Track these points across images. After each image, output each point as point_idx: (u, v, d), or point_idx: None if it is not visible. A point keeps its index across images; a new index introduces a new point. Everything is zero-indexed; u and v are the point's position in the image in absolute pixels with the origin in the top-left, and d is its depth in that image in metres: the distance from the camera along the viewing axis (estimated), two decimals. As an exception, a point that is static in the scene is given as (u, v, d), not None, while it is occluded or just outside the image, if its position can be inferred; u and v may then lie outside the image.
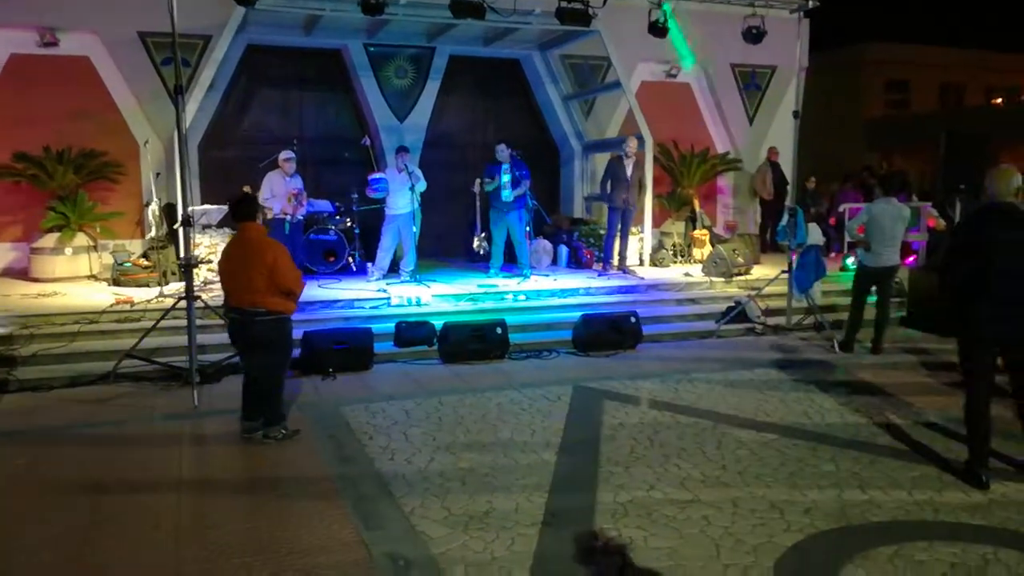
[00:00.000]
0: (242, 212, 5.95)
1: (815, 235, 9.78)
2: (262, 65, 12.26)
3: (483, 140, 13.57)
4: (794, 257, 9.49)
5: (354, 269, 11.21)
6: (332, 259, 11.08)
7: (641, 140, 11.66)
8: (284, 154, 9.93)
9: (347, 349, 7.84)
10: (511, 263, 10.96)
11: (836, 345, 8.75)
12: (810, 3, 9.41)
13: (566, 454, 5.59)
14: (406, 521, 4.53)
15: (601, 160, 13.64)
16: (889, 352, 8.61)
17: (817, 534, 4.37)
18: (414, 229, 10.42)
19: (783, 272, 9.63)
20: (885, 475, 5.19)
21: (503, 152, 10.47)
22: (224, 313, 6.33)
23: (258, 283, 5.67)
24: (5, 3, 10.33)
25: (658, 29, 9.47)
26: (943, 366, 7.92)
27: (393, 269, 10.62)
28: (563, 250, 12.19)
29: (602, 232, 11.75)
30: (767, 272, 10.86)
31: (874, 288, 8.66)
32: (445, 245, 12.86)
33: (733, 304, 9.79)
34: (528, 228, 11.01)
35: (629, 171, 11.03)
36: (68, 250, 10.31)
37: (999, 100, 27.08)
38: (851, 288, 8.91)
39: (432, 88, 12.74)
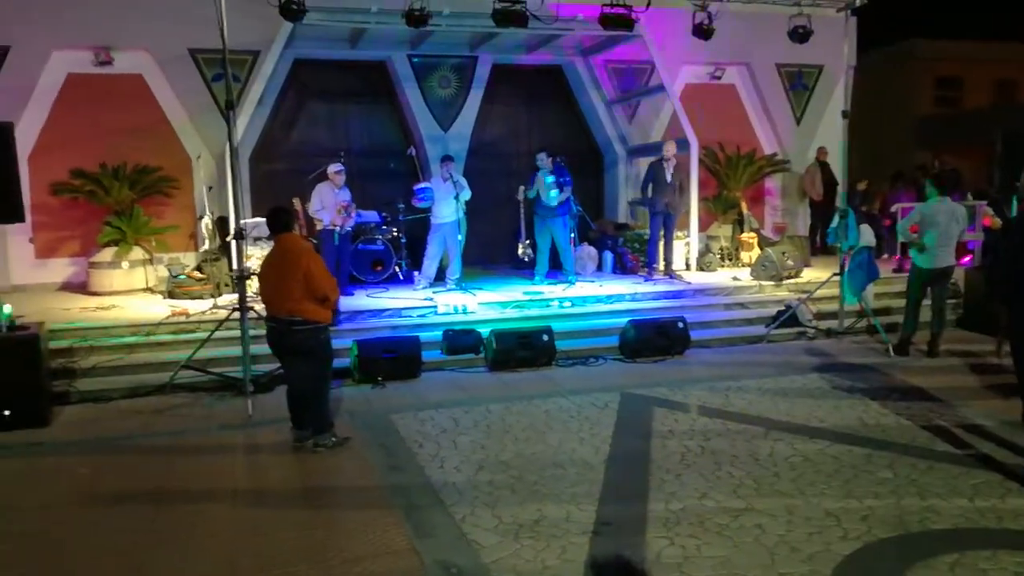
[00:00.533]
0: (278, 224, 6.05)
1: (867, 236, 9.58)
2: (309, 79, 12.46)
3: (527, 148, 13.59)
4: (846, 259, 9.32)
5: (401, 278, 11.31)
6: (379, 268, 11.20)
7: (683, 143, 11.57)
8: (334, 167, 10.06)
9: (396, 357, 7.91)
10: (556, 270, 10.96)
11: (890, 348, 8.56)
12: (858, 1, 9.24)
13: (616, 462, 5.56)
14: (457, 529, 4.55)
15: (646, 164, 13.58)
16: (945, 355, 8.41)
17: (875, 542, 4.28)
18: (459, 237, 10.48)
19: (834, 275, 9.47)
20: (944, 482, 5.07)
21: (544, 160, 10.58)
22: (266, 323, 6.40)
23: (294, 291, 5.75)
24: (62, 25, 10.67)
25: (702, 31, 9.37)
26: (1000, 369, 7.69)
27: (439, 277, 10.70)
28: (608, 256, 12.15)
29: (647, 237, 11.67)
30: (818, 275, 10.68)
31: (929, 290, 8.47)
32: (490, 253, 12.90)
33: (783, 308, 9.65)
34: (573, 234, 11.00)
35: (669, 175, 10.95)
36: (125, 264, 10.58)
37: (1055, 95, 26.27)
38: (905, 290, 8.72)
39: (475, 97, 12.81)
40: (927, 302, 8.56)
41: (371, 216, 11.40)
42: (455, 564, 4.15)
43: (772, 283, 10.65)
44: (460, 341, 8.52)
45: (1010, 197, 9.64)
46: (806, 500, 4.84)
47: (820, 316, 9.73)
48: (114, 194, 10.78)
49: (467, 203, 10.49)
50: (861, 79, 11.79)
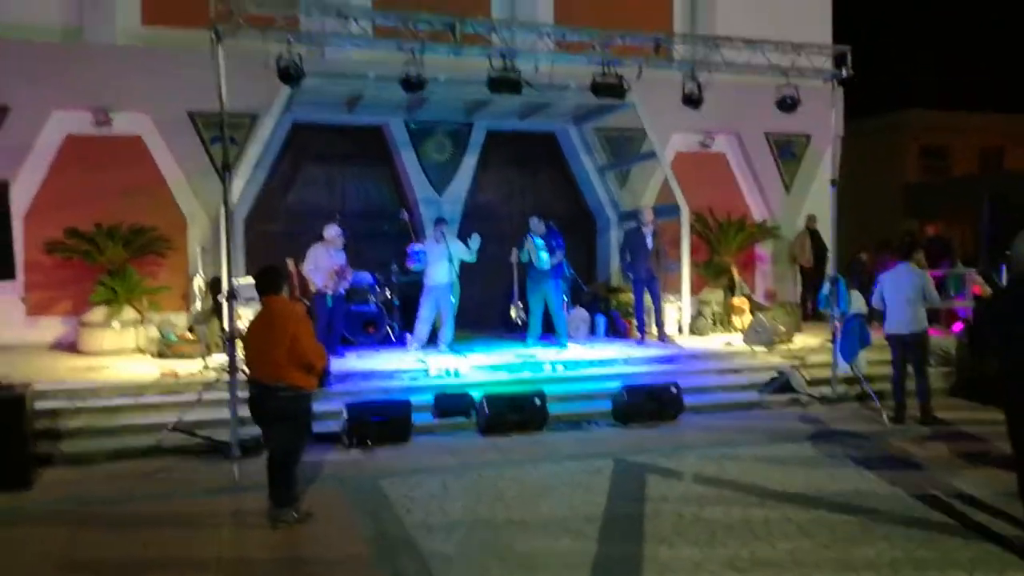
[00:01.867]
0: (267, 285, 5.89)
1: (858, 303, 9.63)
2: (306, 142, 12.61)
3: (520, 211, 13.68)
4: (837, 326, 9.34)
5: (393, 340, 11.26)
6: (372, 330, 11.17)
7: (673, 208, 11.72)
8: (332, 230, 10.08)
9: (386, 421, 7.83)
10: (549, 333, 10.95)
11: (885, 417, 8.51)
12: (844, 72, 9.46)
13: (608, 531, 5.47)
14: (446, 601, 4.44)
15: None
16: (938, 423, 8.35)
17: (873, 618, 4.19)
18: (452, 300, 10.49)
19: (827, 341, 9.47)
20: (942, 555, 4.99)
21: (535, 224, 10.75)
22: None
23: (279, 356, 5.60)
24: (63, 86, 10.83)
25: (692, 100, 9.56)
26: (994, 437, 7.64)
27: (431, 340, 10.67)
28: (600, 319, 12.15)
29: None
30: (809, 341, 10.71)
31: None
32: (482, 315, 12.87)
33: (776, 374, 9.63)
34: (566, 298, 11.01)
35: (649, 241, 11.04)
36: (115, 324, 10.53)
37: (1039, 163, 26.73)
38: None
39: (470, 162, 12.97)
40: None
41: (364, 277, 11.41)
42: (443, 638, 4.04)
43: (765, 349, 10.64)
44: (452, 404, 8.45)
45: (998, 264, 9.73)
46: (802, 572, 4.75)
47: (813, 383, 9.70)
48: (108, 254, 10.79)
49: (460, 265, 10.53)
50: (849, 147, 12.05)
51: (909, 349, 8.48)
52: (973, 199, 11.14)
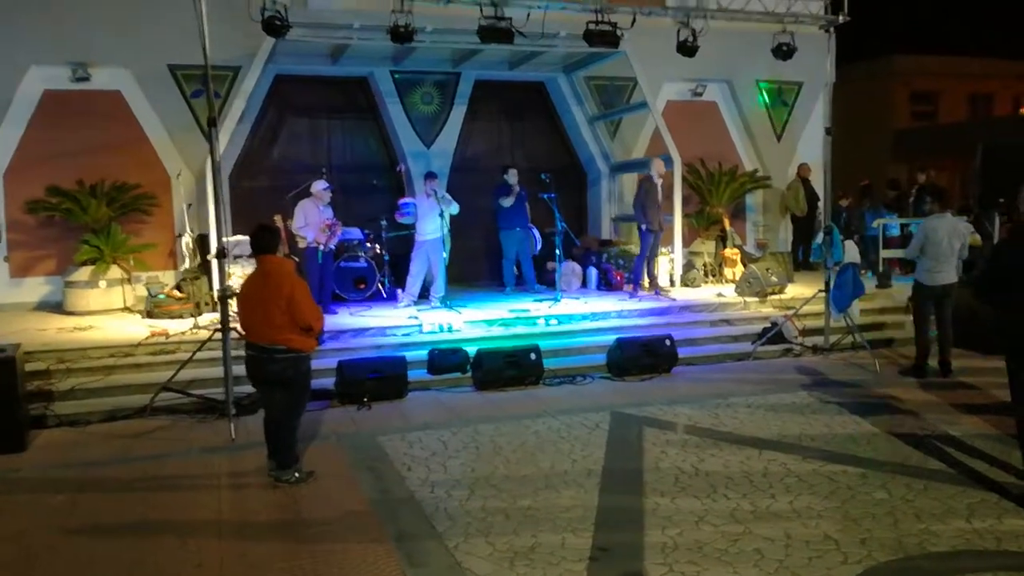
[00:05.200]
0: (261, 245, 5.76)
1: (852, 253, 9.62)
2: (290, 95, 12.34)
3: (510, 163, 13.54)
4: (831, 276, 9.33)
5: (384, 296, 11.18)
6: (362, 286, 11.07)
7: (666, 159, 11.59)
8: (320, 185, 9.93)
9: (381, 378, 7.80)
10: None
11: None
12: (840, 18, 9.29)
13: (609, 485, 5.48)
14: (451, 557, 4.45)
15: (629, 180, 13.59)
16: (934, 371, 8.39)
17: (876, 566, 4.23)
18: (444, 255, 10.39)
19: (820, 291, 9.48)
20: (940, 502, 5.03)
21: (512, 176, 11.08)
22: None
23: (276, 318, 5.50)
24: (39, 40, 10.49)
25: (686, 48, 9.38)
26: (989, 386, 7.71)
27: (423, 295, 10.60)
28: (592, 272, 12.10)
29: (634, 253, 11.66)
30: (801, 291, 10.70)
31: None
32: (474, 269, 12.81)
33: (769, 325, 9.64)
34: (558, 251, 10.94)
35: (660, 194, 10.98)
36: (102, 283, 10.36)
37: (1029, 109, 26.71)
38: (912, 311, 8.57)
39: (458, 113, 12.75)
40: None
41: (354, 233, 11.27)
42: (450, 595, 4.05)
43: (757, 299, 10.64)
44: (446, 360, 8.41)
45: (991, 212, 9.74)
46: (803, 523, 4.78)
47: (805, 333, 9.73)
48: (91, 212, 10.57)
49: (450, 219, 10.41)
50: (837, 94, 11.86)
51: (946, 300, 8.32)
52: (963, 145, 11.11)
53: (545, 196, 10.65)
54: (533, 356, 8.29)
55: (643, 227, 11.08)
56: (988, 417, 6.77)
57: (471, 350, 8.44)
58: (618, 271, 11.92)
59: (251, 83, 10.50)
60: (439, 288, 10.44)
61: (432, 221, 10.25)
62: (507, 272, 11.48)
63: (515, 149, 13.61)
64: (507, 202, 10.87)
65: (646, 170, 11.32)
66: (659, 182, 10.98)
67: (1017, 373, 4.96)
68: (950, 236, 8.11)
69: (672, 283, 11.78)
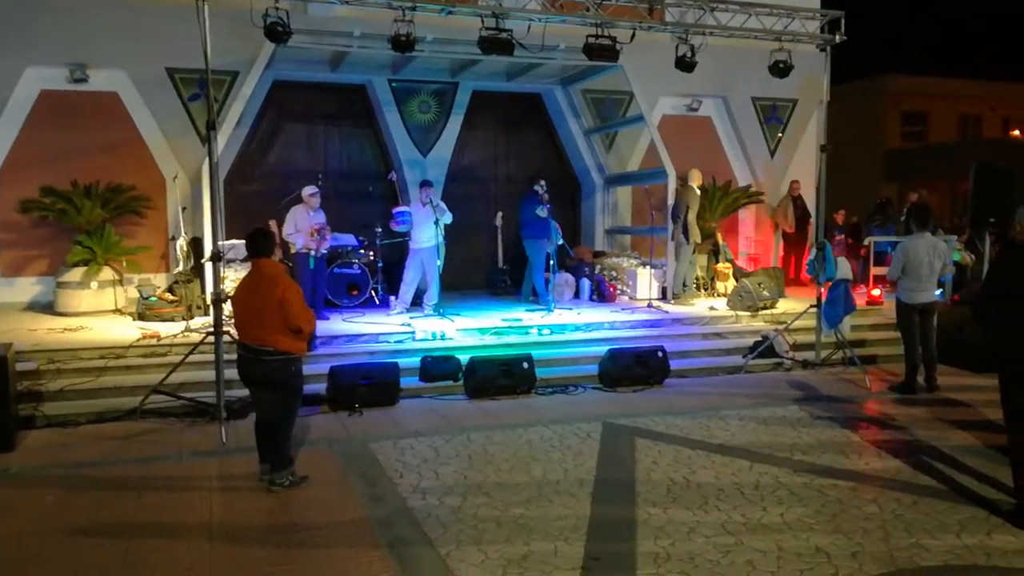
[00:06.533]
0: (257, 248, 5.81)
1: (844, 270, 9.68)
2: (288, 100, 12.36)
3: (505, 174, 13.62)
4: (823, 292, 9.39)
5: (377, 303, 11.19)
6: (355, 292, 11.08)
7: (660, 173, 11.70)
8: (308, 190, 9.95)
9: (374, 384, 7.79)
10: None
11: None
12: (837, 38, 9.38)
13: (601, 495, 5.48)
14: (443, 565, 4.44)
15: (623, 193, 13.67)
16: (921, 388, 8.44)
17: (867, 580, 4.25)
18: (438, 262, 10.41)
19: (812, 306, 9.53)
20: (930, 517, 5.06)
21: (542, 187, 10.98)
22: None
23: (268, 320, 5.54)
24: (37, 41, 10.48)
25: (685, 63, 9.45)
26: (978, 403, 7.77)
27: (416, 302, 10.60)
28: (585, 283, 12.14)
29: (625, 265, 11.71)
30: (792, 306, 10.76)
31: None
32: (467, 278, 12.83)
33: (760, 339, 9.68)
34: (552, 262, 10.97)
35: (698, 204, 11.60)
36: (94, 284, 10.33)
37: (1016, 132, 27.00)
38: (898, 328, 8.64)
39: (455, 123, 12.79)
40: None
41: (348, 239, 11.28)
42: (443, 601, 4.04)
43: (748, 313, 10.69)
44: (438, 368, 8.41)
45: (983, 231, 9.81)
46: (795, 535, 4.80)
47: (796, 348, 9.78)
48: (85, 213, 10.54)
49: (445, 228, 10.43)
50: (829, 112, 11.96)
51: (928, 317, 8.38)
52: (953, 166, 11.21)
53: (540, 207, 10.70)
54: (526, 365, 8.30)
55: (684, 239, 11.56)
56: (978, 434, 6.81)
57: (464, 358, 8.44)
58: (611, 282, 11.96)
59: (249, 88, 10.52)
60: (432, 296, 10.45)
61: (427, 229, 10.27)
62: (539, 283, 11.08)
63: (511, 160, 13.68)
64: (542, 212, 10.78)
65: (656, 181, 11.56)
66: (699, 193, 11.43)
67: (1009, 393, 5.00)
68: (930, 255, 8.17)
69: (665, 296, 11.82)
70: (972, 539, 4.73)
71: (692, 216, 11.58)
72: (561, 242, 10.82)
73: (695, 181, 11.54)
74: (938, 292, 8.44)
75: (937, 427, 7.10)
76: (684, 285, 11.81)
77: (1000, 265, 5.28)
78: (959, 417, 7.44)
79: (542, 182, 11.01)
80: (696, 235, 11.49)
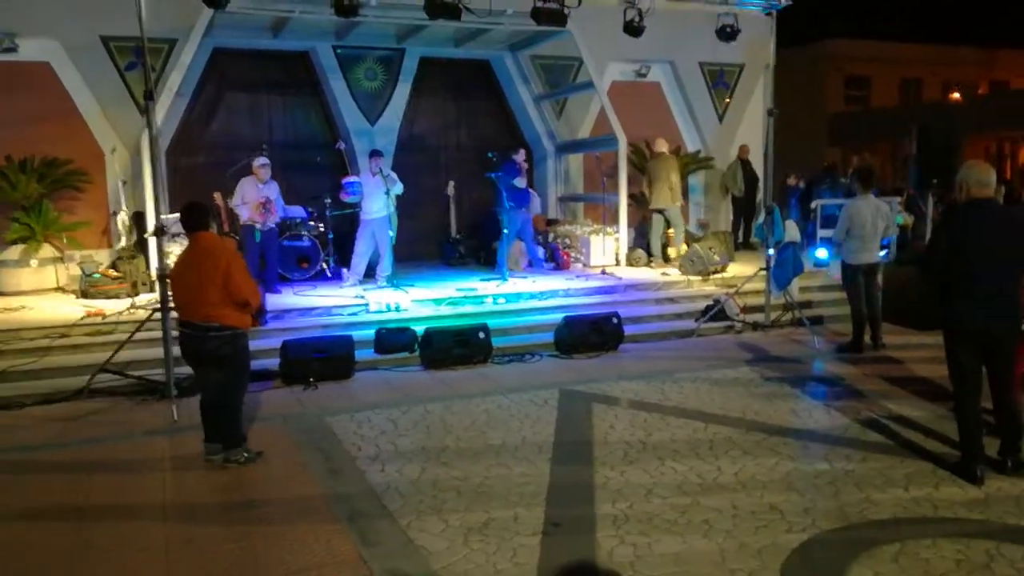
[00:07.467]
0: (192, 221, 5.62)
1: (792, 232, 9.83)
2: (228, 69, 12.03)
3: (456, 142, 13.49)
4: (772, 254, 9.52)
5: (329, 275, 11.03)
6: (306, 265, 10.91)
7: (611, 140, 11.69)
8: (258, 160, 9.71)
9: (327, 357, 7.70)
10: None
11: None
12: (783, 2, 9.44)
13: (560, 460, 5.52)
14: (404, 535, 4.43)
15: (575, 160, 13.65)
16: (867, 346, 8.64)
17: (820, 534, 4.35)
18: (390, 233, 10.29)
19: (761, 269, 9.67)
20: (879, 472, 5.20)
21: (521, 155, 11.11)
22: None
23: (211, 295, 5.40)
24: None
25: (632, 28, 9.42)
26: (923, 360, 7.98)
27: (369, 274, 10.49)
28: (539, 251, 12.12)
29: (579, 233, 11.73)
30: (742, 270, 10.90)
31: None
32: (419, 248, 12.73)
33: (712, 303, 9.80)
34: (505, 230, 10.93)
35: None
36: (33, 262, 10.02)
37: (956, 94, 27.63)
38: (844, 289, 8.81)
39: (403, 90, 12.60)
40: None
41: (296, 211, 11.07)
42: (405, 572, 4.03)
43: (700, 278, 10.81)
44: (394, 340, 8.35)
45: (926, 193, 10.04)
46: (749, 494, 4.89)
47: (747, 310, 9.93)
48: (21, 188, 10.17)
49: (396, 198, 10.31)
50: (776, 77, 12.06)
51: (872, 277, 8.53)
52: (895, 129, 11.43)
53: (492, 175, 10.63)
54: (482, 335, 8.29)
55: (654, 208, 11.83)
56: (922, 390, 7.00)
57: (419, 329, 8.39)
58: (565, 250, 11.97)
59: (188, 56, 10.20)
60: (386, 267, 10.34)
61: (378, 200, 10.14)
62: (501, 253, 10.95)
63: (461, 128, 13.55)
64: (521, 183, 10.71)
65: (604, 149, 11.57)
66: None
67: (954, 351, 5.13)
68: (874, 217, 8.30)
69: (617, 262, 11.88)
70: (920, 492, 4.87)
71: (676, 180, 11.85)
72: (509, 206, 10.71)
73: (664, 147, 11.68)
74: (883, 253, 8.59)
75: (884, 384, 7.28)
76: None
77: (945, 226, 5.39)
78: (905, 374, 7.65)
79: (522, 151, 11.03)
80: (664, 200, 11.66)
